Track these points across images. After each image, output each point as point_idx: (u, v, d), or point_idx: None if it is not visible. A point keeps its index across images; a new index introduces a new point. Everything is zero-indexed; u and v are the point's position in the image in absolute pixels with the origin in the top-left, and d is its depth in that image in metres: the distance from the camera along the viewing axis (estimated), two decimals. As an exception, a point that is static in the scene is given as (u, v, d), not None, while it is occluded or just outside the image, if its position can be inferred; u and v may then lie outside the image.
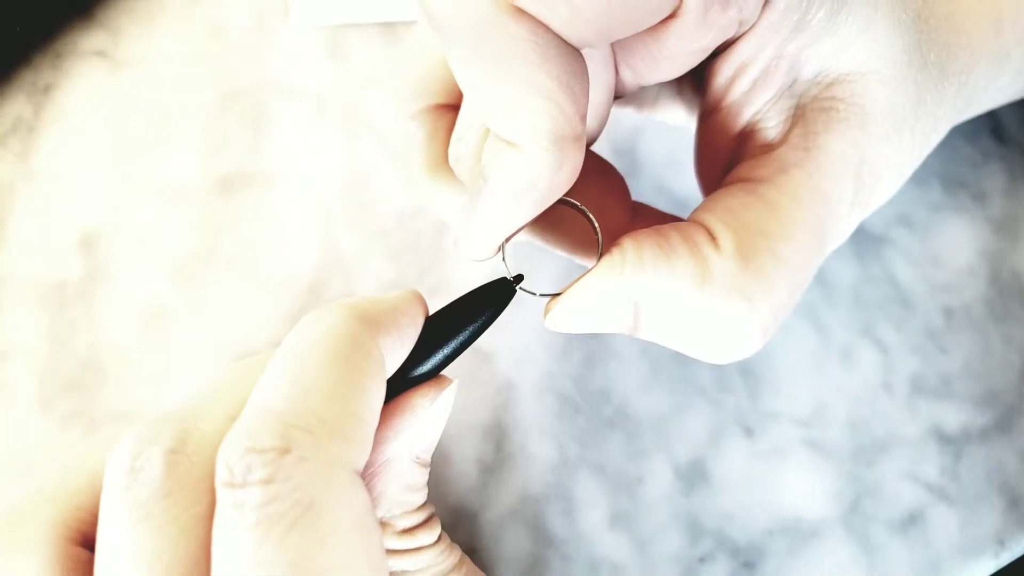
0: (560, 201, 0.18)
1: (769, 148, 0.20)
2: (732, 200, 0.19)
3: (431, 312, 0.19)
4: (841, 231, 0.20)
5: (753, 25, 0.18)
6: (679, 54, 0.18)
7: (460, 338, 0.19)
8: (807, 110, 0.19)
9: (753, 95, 0.20)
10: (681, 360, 0.27)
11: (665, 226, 0.19)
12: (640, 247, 0.18)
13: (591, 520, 0.26)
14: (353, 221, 0.29)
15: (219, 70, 0.30)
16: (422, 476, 0.19)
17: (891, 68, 0.19)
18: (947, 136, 0.30)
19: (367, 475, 0.18)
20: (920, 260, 0.29)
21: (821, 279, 0.28)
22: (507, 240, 0.19)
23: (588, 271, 0.19)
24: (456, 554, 0.20)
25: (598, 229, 0.20)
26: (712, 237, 0.18)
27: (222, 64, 0.30)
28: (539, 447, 0.27)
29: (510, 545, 0.26)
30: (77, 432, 0.26)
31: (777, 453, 0.27)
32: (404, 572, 0.19)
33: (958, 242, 0.29)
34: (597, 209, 0.20)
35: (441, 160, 0.21)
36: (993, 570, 0.26)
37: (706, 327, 0.19)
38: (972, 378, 0.27)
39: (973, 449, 0.27)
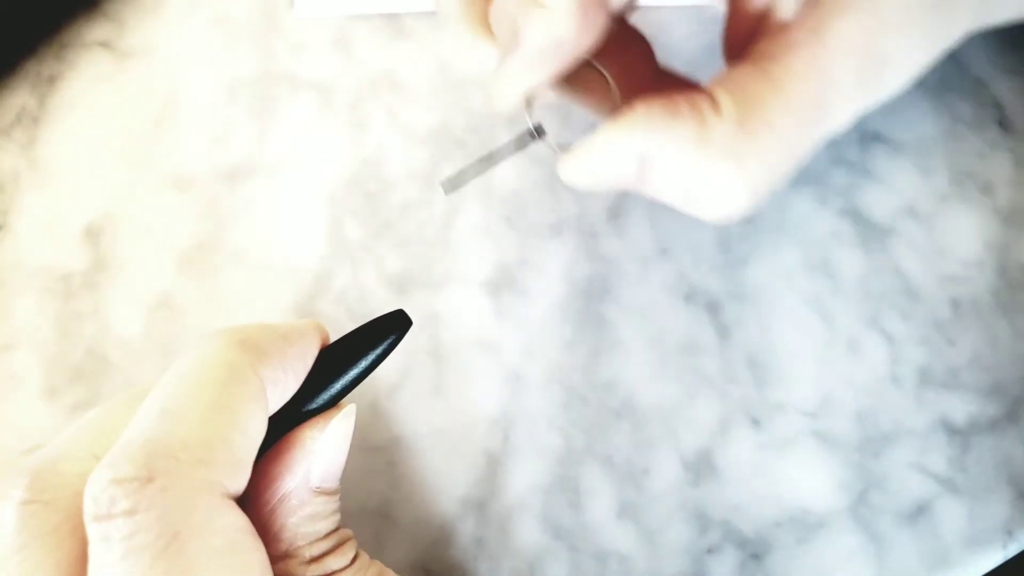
0: (584, 63, 0.21)
1: (783, 29, 0.21)
2: (739, 73, 0.21)
3: (332, 341, 0.19)
4: (843, 112, 0.22)
5: None
6: None
7: (355, 371, 0.19)
8: None
9: None
10: (688, 351, 0.27)
11: (676, 94, 0.21)
12: (649, 108, 0.21)
13: (598, 511, 0.26)
14: (359, 212, 0.29)
15: (224, 60, 0.30)
16: (326, 505, 0.19)
17: None
18: (953, 126, 0.30)
19: (266, 511, 0.18)
20: (927, 251, 0.29)
21: (827, 270, 0.28)
22: (533, 97, 0.21)
23: (601, 128, 0.21)
24: (375, 569, 0.20)
25: (615, 92, 0.22)
26: (715, 104, 0.20)
27: (227, 54, 0.30)
28: (546, 438, 0.27)
29: (518, 536, 0.26)
30: (83, 423, 0.26)
31: (784, 444, 0.27)
32: None
33: (965, 233, 0.29)
34: (622, 72, 0.23)
35: (483, 22, 0.23)
36: (1001, 561, 0.26)
37: (702, 184, 0.21)
38: (980, 369, 0.27)
39: (981, 440, 0.27)
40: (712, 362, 0.27)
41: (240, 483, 0.16)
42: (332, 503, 0.19)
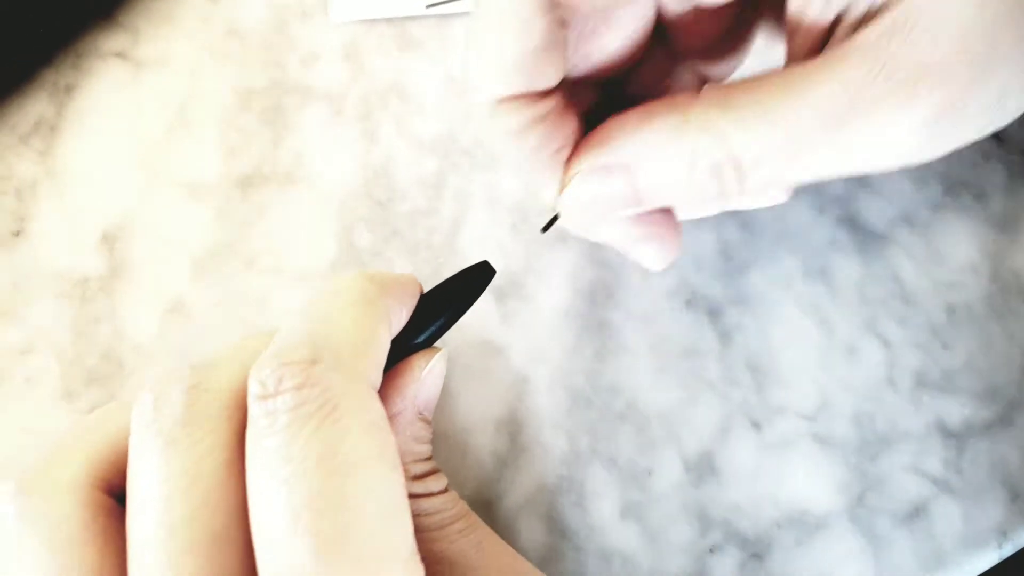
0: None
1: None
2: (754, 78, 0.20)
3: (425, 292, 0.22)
4: (817, 154, 0.19)
5: None
6: None
7: (449, 312, 0.22)
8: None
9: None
10: (689, 355, 0.28)
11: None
12: (622, 118, 0.20)
13: (603, 511, 0.27)
14: (369, 219, 0.29)
15: (237, 70, 0.31)
16: (425, 431, 0.22)
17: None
18: (949, 138, 0.31)
19: None
20: (923, 258, 0.29)
21: (825, 276, 0.29)
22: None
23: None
24: (463, 504, 0.23)
25: None
26: (696, 95, 0.20)
27: (240, 64, 0.31)
28: (552, 440, 0.27)
29: (524, 535, 0.26)
30: (98, 424, 0.27)
31: (784, 446, 0.27)
32: (419, 514, 0.21)
33: (960, 241, 0.29)
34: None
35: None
36: (996, 562, 0.27)
37: (695, 173, 0.20)
38: (974, 373, 0.28)
39: (976, 443, 0.28)
40: (713, 366, 0.28)
41: (377, 383, 0.18)
42: (429, 431, 0.22)
